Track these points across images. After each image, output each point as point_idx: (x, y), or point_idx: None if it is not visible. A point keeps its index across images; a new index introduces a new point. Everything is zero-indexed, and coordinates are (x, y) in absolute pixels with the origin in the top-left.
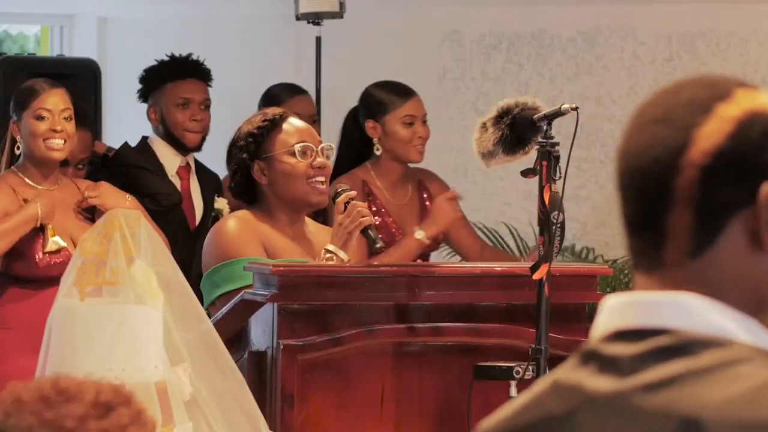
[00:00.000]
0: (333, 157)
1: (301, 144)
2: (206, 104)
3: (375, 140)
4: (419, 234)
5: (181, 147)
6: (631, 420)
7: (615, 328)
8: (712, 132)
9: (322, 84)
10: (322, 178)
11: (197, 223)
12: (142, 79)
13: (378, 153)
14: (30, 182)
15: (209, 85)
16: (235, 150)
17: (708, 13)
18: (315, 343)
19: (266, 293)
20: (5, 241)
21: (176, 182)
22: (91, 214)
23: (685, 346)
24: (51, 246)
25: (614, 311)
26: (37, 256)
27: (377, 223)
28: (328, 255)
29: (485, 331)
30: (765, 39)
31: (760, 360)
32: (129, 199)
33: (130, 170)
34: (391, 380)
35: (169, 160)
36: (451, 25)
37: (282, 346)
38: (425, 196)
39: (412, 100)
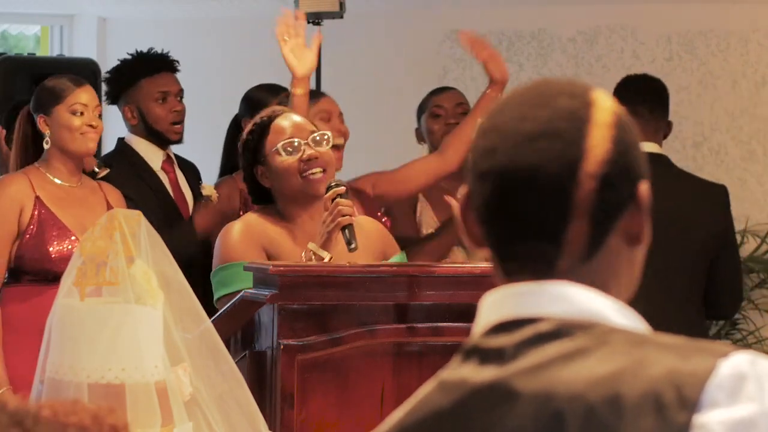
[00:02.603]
0: (329, 145)
1: (284, 141)
2: (181, 95)
3: None
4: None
5: (163, 141)
6: (514, 404)
7: (494, 321)
8: (599, 141)
9: (322, 84)
10: (316, 169)
11: (191, 212)
12: (111, 81)
13: None
14: (53, 178)
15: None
16: (240, 159)
17: (708, 13)
18: (315, 343)
19: (266, 293)
20: None
21: (162, 177)
22: None
23: (560, 331)
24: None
25: (492, 306)
26: (50, 250)
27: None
28: (309, 254)
29: None
30: (765, 39)
31: (620, 342)
32: None
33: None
34: (391, 380)
35: (152, 156)
36: (451, 25)
37: (282, 346)
38: None
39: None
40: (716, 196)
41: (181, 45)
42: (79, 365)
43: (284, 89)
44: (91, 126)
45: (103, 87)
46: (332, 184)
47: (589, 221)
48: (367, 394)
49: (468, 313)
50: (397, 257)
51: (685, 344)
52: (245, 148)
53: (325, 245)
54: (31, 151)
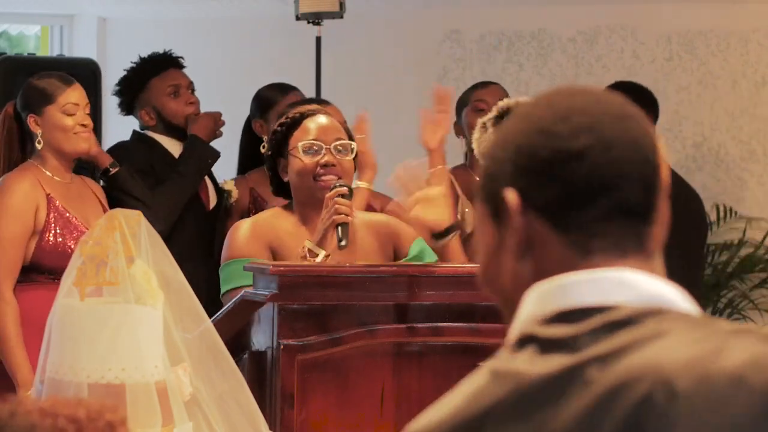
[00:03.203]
0: (352, 155)
1: (308, 142)
2: (192, 88)
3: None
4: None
5: (183, 135)
6: (588, 392)
7: (553, 310)
8: (654, 130)
9: (322, 84)
10: (329, 177)
11: (212, 203)
12: (122, 91)
13: None
14: (50, 174)
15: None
16: (267, 147)
17: (708, 13)
18: (315, 343)
19: (266, 293)
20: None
21: None
22: None
23: (631, 318)
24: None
25: (547, 296)
26: (71, 247)
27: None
28: (304, 251)
29: (485, 331)
30: (765, 39)
31: (694, 326)
32: None
33: (123, 198)
34: (391, 380)
35: (174, 150)
36: (451, 25)
37: (282, 346)
38: None
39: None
40: (694, 202)
41: (181, 45)
42: (79, 365)
43: (293, 88)
44: (83, 125)
45: (115, 98)
46: (336, 184)
47: (666, 205)
48: (367, 394)
49: (468, 313)
50: (415, 245)
51: (754, 329)
52: (272, 138)
53: (321, 242)
54: (16, 149)
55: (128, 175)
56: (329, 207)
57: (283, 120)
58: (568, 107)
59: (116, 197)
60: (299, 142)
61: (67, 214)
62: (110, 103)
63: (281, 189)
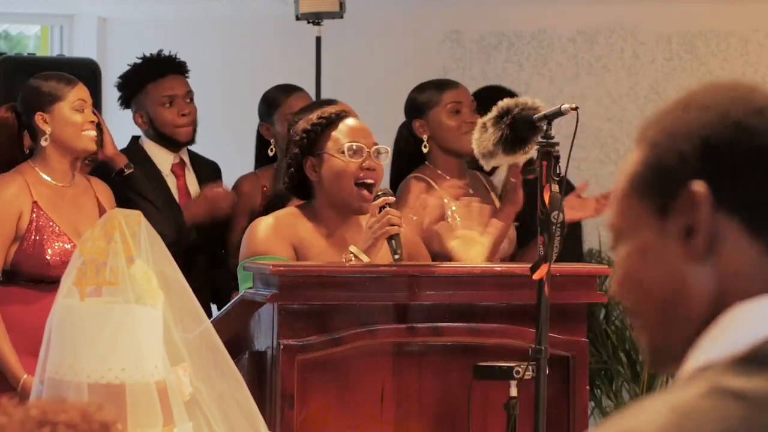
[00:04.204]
0: (388, 161)
1: (354, 143)
2: (190, 96)
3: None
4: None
5: (174, 144)
6: None
7: (754, 345)
8: None
9: (322, 84)
10: (371, 181)
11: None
12: (121, 86)
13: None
14: (46, 177)
15: (187, 77)
16: (290, 145)
17: (708, 13)
18: (315, 343)
19: (266, 293)
20: None
21: (171, 181)
22: None
23: None
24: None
25: (747, 323)
26: (47, 256)
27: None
28: (349, 256)
29: (485, 331)
30: (765, 39)
31: None
32: None
33: (135, 199)
34: (391, 380)
35: (162, 159)
36: (451, 25)
37: (282, 346)
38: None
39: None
40: None
41: (181, 45)
42: (79, 365)
43: (298, 88)
44: (91, 122)
45: (115, 98)
46: (380, 192)
47: None
48: (367, 394)
49: (468, 313)
50: None
51: None
52: (304, 136)
53: (369, 251)
54: (15, 150)
55: (143, 177)
56: (380, 217)
57: (316, 120)
58: (760, 100)
59: (129, 198)
60: (342, 142)
61: (51, 223)
62: (110, 103)
63: (300, 187)
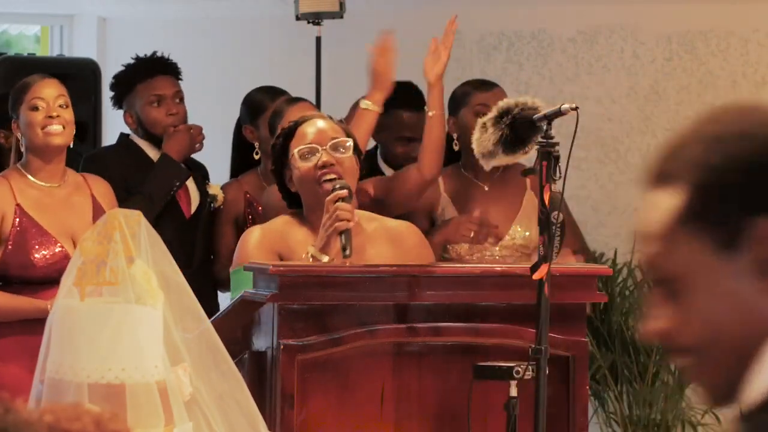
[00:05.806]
0: (348, 152)
1: (304, 147)
2: (179, 97)
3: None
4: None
5: (161, 144)
6: None
7: None
8: None
9: (322, 84)
10: (330, 176)
11: (192, 212)
12: (113, 86)
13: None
14: (34, 180)
15: (179, 79)
16: (271, 163)
17: (708, 13)
18: (315, 343)
19: (266, 293)
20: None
21: None
22: None
23: None
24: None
25: None
26: (34, 258)
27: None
28: (308, 257)
29: (485, 331)
30: (765, 39)
31: None
32: None
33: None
34: (391, 380)
35: (155, 156)
36: None
37: (282, 346)
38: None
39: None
40: None
41: (181, 45)
42: (79, 365)
43: (283, 92)
44: (50, 117)
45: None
46: (336, 186)
47: None
48: (367, 394)
49: (468, 313)
50: None
51: None
52: (273, 152)
53: (324, 249)
54: (11, 157)
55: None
56: (330, 213)
57: (279, 133)
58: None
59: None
60: (295, 149)
61: (36, 224)
62: (110, 102)
63: (293, 200)
